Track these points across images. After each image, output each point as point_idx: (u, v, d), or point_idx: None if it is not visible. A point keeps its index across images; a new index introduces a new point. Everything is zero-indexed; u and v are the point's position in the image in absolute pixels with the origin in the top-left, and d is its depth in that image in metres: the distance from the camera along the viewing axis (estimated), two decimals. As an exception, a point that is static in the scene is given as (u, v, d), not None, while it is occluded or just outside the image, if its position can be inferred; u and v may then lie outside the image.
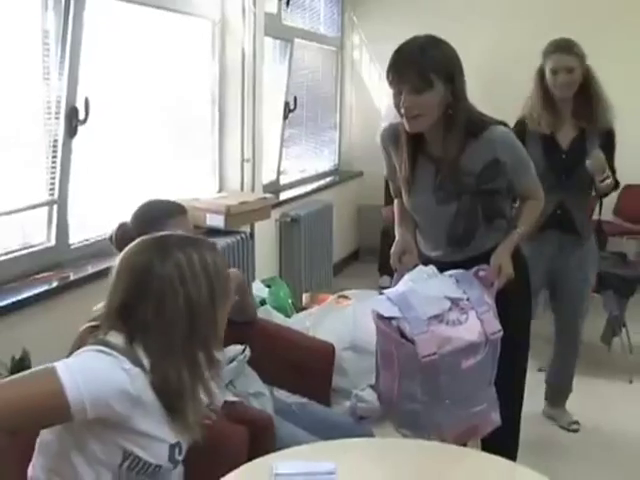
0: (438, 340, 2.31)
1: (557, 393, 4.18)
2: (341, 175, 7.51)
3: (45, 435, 1.79)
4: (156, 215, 2.72)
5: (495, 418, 2.49)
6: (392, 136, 2.74)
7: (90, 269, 3.48)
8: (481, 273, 2.53)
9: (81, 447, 1.74)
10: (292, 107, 6.03)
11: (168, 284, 1.74)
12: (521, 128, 3.64)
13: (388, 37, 7.17)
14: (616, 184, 3.68)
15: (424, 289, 2.43)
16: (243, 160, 5.06)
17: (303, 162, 6.84)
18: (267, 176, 5.64)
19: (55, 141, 3.37)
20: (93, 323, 2.01)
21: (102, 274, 3.43)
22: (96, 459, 1.74)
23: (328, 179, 7.17)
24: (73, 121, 3.39)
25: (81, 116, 3.42)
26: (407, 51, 2.51)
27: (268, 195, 5.10)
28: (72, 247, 3.59)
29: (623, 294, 4.69)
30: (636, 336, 4.91)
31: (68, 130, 3.39)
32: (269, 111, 5.58)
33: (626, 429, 4.08)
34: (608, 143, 3.68)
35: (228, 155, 5.09)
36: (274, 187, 5.86)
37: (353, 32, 7.66)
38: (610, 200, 5.91)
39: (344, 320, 4.38)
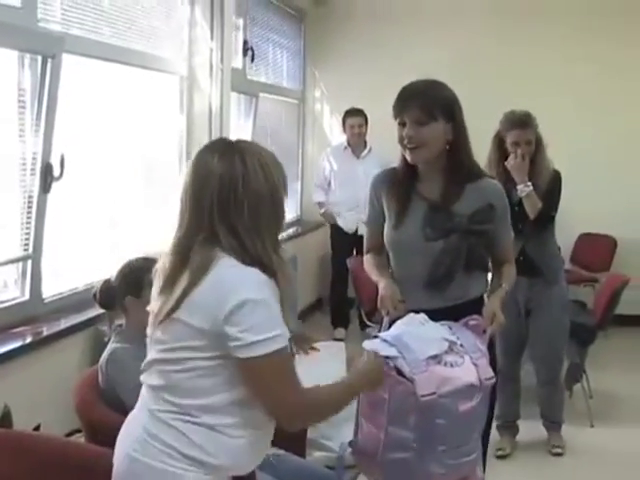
0: (437, 380, 2.31)
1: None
2: (304, 226, 7.61)
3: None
4: (140, 272, 2.79)
5: (479, 474, 2.52)
6: (386, 178, 2.87)
7: (63, 323, 3.51)
8: (472, 322, 2.55)
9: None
10: (256, 160, 6.10)
11: (256, 174, 1.92)
12: None
13: (348, 91, 7.51)
14: (547, 211, 4.11)
15: (420, 332, 2.43)
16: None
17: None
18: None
19: (30, 197, 3.42)
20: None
21: (76, 328, 3.51)
22: None
23: (291, 230, 7.24)
24: (48, 177, 3.45)
25: (56, 172, 3.47)
26: (412, 87, 2.72)
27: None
28: (46, 301, 3.62)
29: (584, 342, 4.83)
30: (596, 382, 5.04)
31: (43, 186, 3.44)
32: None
33: (589, 470, 4.19)
34: (550, 186, 4.16)
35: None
36: (239, 238, 5.90)
37: (315, 86, 7.85)
38: (566, 248, 6.12)
39: (311, 372, 4.41)
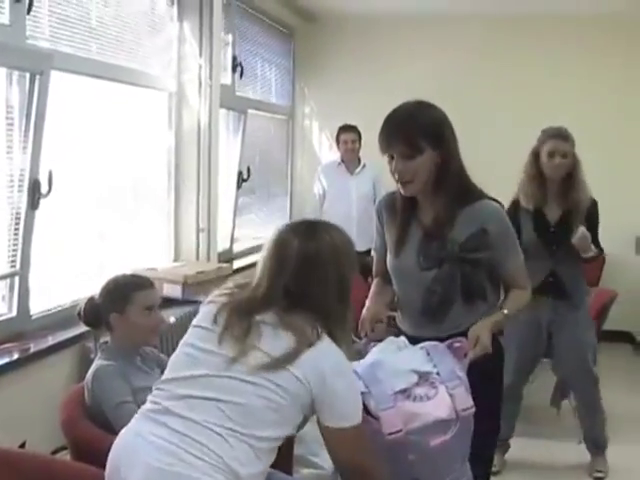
0: (404, 416, 2.25)
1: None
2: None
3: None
4: (124, 289, 2.80)
5: None
6: (389, 203, 2.79)
7: (51, 340, 3.51)
8: (456, 344, 2.46)
9: None
10: (245, 177, 6.13)
11: (327, 263, 2.15)
12: (515, 205, 4.11)
13: (337, 108, 7.55)
14: (600, 251, 4.11)
15: (392, 362, 2.37)
16: (199, 229, 5.15)
17: (256, 229, 6.94)
18: (221, 244, 5.73)
19: (18, 213, 3.43)
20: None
21: (63, 345, 3.51)
22: None
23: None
24: (36, 194, 3.45)
25: (44, 189, 3.47)
26: (395, 119, 2.60)
27: (224, 265, 5.17)
28: (33, 318, 3.63)
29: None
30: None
31: (31, 202, 3.44)
32: (223, 180, 5.70)
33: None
34: (591, 216, 4.11)
35: (184, 224, 5.18)
36: (228, 255, 5.93)
37: (304, 102, 7.88)
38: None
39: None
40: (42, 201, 3.50)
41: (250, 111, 6.35)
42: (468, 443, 2.40)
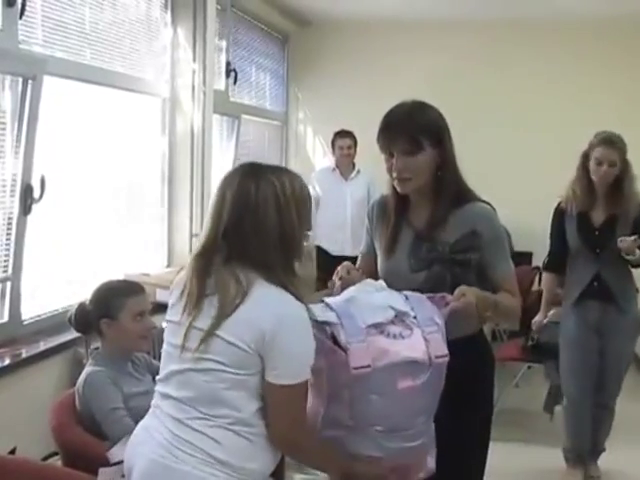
0: (374, 352, 2.12)
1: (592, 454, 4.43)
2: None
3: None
4: (114, 295, 2.80)
5: (430, 464, 2.32)
6: (380, 206, 2.76)
7: (42, 345, 3.51)
8: (438, 296, 2.35)
9: None
10: (239, 182, 6.12)
11: (265, 205, 2.00)
12: (561, 208, 4.16)
13: (331, 113, 7.56)
14: None
15: (369, 299, 2.26)
16: (192, 235, 5.15)
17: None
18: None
19: (10, 219, 3.42)
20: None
21: (55, 350, 3.51)
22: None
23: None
24: (28, 199, 3.45)
25: (36, 194, 3.47)
26: (396, 115, 2.58)
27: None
28: (25, 323, 3.62)
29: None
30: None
31: (23, 208, 3.44)
32: (216, 186, 5.68)
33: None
34: (639, 221, 4.05)
35: (177, 230, 5.18)
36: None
37: (298, 108, 7.89)
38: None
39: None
40: (34, 206, 3.49)
41: (244, 116, 6.35)
42: (437, 398, 2.27)
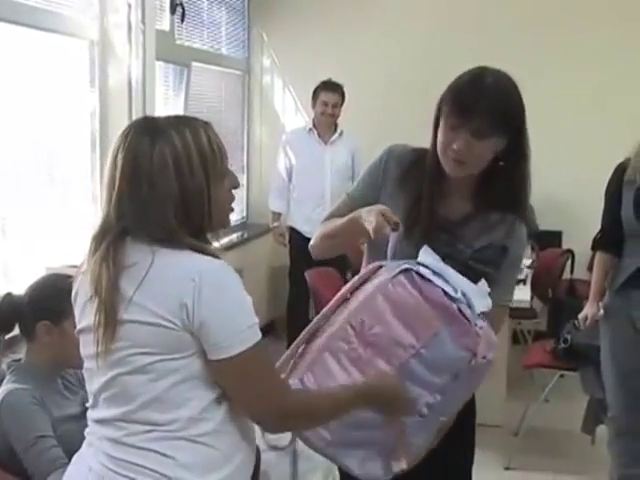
0: (488, 342, 2.44)
1: None
2: (251, 230, 7.61)
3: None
4: (64, 296, 2.72)
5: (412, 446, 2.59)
6: (409, 165, 2.75)
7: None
8: None
9: None
10: (189, 147, 6.09)
11: (164, 167, 2.05)
12: (619, 173, 4.11)
13: (305, 59, 7.52)
14: None
15: (462, 279, 2.49)
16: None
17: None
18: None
19: None
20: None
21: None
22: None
23: (234, 236, 7.22)
24: None
25: None
26: (482, 88, 2.55)
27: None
28: None
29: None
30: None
31: None
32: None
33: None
34: None
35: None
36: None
37: (263, 52, 7.86)
38: (584, 255, 6.18)
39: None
40: None
41: (195, 64, 6.31)
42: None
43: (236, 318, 2.05)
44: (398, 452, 2.45)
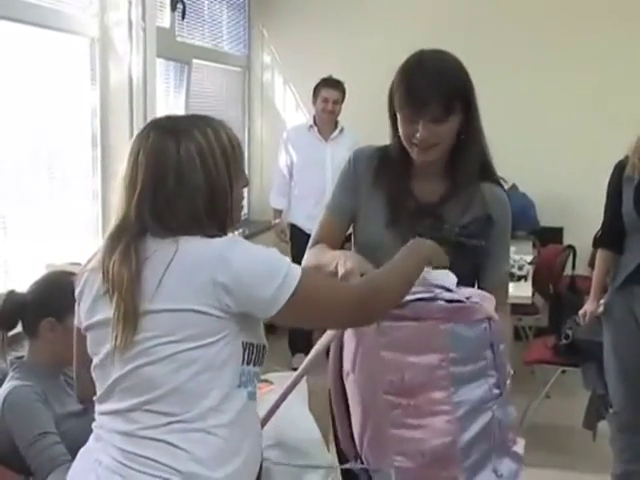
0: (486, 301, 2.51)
1: None
2: (252, 227, 7.62)
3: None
4: (68, 292, 2.72)
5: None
6: (372, 162, 2.78)
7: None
8: None
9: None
10: (191, 144, 6.09)
11: (190, 164, 2.10)
12: (619, 171, 4.13)
13: (306, 56, 7.51)
14: None
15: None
16: (133, 212, 5.09)
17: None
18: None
19: None
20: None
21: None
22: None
23: (236, 233, 7.20)
24: None
25: None
26: (424, 75, 2.60)
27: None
28: None
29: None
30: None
31: None
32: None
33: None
34: None
35: (114, 206, 5.10)
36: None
37: (263, 49, 7.86)
38: (585, 251, 6.18)
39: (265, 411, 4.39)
40: None
41: (195, 61, 6.31)
42: None
43: (272, 268, 2.08)
44: (508, 439, 2.54)
